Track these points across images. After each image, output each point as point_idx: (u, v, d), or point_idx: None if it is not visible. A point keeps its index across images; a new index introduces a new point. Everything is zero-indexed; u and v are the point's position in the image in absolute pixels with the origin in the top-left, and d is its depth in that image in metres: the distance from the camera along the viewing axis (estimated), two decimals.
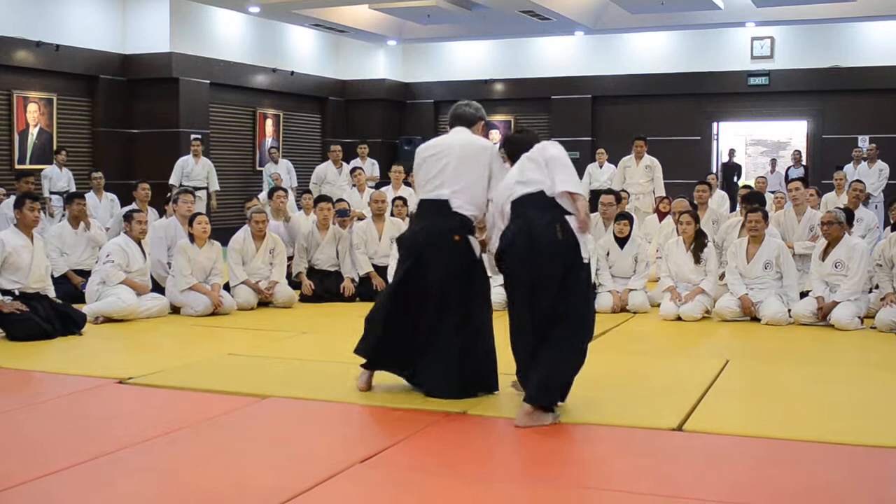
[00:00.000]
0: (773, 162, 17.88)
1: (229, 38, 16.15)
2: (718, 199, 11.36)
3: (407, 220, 8.97)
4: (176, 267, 7.93)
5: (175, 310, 7.91)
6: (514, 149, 4.85)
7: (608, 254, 8.30)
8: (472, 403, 4.71)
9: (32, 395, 5.26)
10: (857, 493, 3.55)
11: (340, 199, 10.20)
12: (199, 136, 14.14)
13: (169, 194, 11.84)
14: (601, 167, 14.05)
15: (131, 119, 15.23)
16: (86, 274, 8.45)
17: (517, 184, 4.61)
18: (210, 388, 5.14)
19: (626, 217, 8.46)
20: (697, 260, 7.86)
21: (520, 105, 19.38)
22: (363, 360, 5.02)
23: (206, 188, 13.42)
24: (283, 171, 14.87)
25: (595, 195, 11.59)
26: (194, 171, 13.39)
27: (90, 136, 14.85)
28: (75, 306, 7.23)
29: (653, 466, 3.83)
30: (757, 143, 21.08)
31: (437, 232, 4.85)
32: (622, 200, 10.41)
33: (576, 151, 17.82)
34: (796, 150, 17.21)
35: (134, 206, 9.79)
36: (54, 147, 13.54)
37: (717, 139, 18.75)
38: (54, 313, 6.81)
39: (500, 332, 4.86)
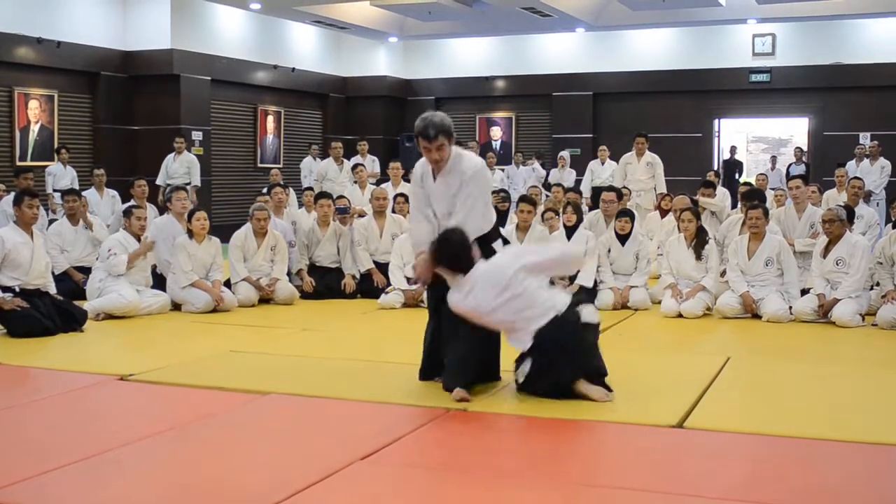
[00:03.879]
0: (774, 159, 17.87)
1: (230, 34, 16.15)
2: (720, 197, 11.36)
3: (408, 216, 8.95)
4: (176, 264, 7.93)
5: (176, 306, 7.91)
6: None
7: (609, 251, 8.30)
8: (473, 400, 4.71)
9: (33, 391, 5.26)
10: (859, 490, 3.55)
11: (341, 196, 10.19)
12: (182, 135, 14.06)
13: (161, 195, 11.93)
14: (602, 164, 14.03)
15: (132, 116, 15.24)
16: (86, 271, 8.46)
17: None
18: (211, 384, 5.14)
19: (627, 214, 8.47)
20: (699, 257, 7.86)
21: (521, 102, 19.38)
22: (365, 357, 5.03)
23: (188, 184, 13.37)
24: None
25: (596, 192, 11.62)
26: (172, 167, 13.38)
27: (91, 133, 14.86)
28: (76, 303, 7.23)
29: (653, 464, 3.82)
30: (758, 140, 21.07)
31: None
32: (623, 197, 10.41)
33: (577, 148, 17.85)
34: (798, 148, 17.19)
35: (133, 202, 9.79)
36: (55, 144, 13.55)
37: (719, 136, 18.75)
38: (55, 310, 6.81)
39: None
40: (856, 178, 10.46)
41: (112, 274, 7.57)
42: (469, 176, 4.87)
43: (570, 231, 8.39)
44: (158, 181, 13.23)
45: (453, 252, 4.73)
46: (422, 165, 5.05)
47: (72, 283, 8.45)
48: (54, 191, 12.24)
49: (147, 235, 8.07)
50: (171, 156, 13.52)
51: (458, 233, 4.74)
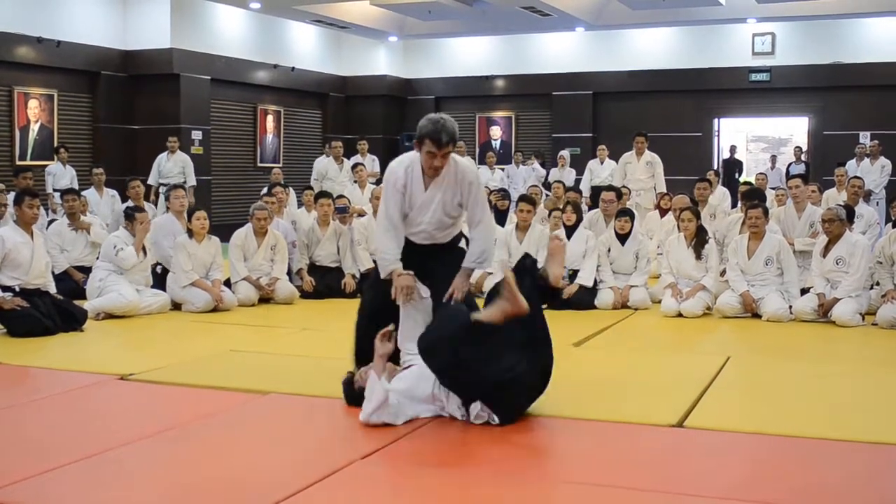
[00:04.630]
0: (773, 158, 17.87)
1: (230, 34, 16.15)
2: (720, 196, 11.36)
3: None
4: (176, 263, 7.94)
5: (176, 306, 7.92)
6: None
7: (609, 250, 8.30)
8: None
9: (33, 391, 5.26)
10: (859, 489, 3.55)
11: (340, 196, 10.19)
12: (175, 135, 13.90)
13: (153, 195, 11.94)
14: (602, 163, 14.02)
15: (132, 115, 15.24)
16: (86, 270, 8.46)
17: None
18: (211, 384, 5.14)
19: (627, 213, 8.46)
20: (698, 256, 7.86)
21: (520, 101, 19.38)
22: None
23: (184, 184, 13.31)
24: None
25: (596, 192, 11.62)
26: (166, 167, 13.29)
27: (91, 133, 14.86)
28: (76, 302, 7.24)
29: (653, 463, 3.82)
30: (758, 140, 21.07)
31: None
32: (623, 197, 10.41)
33: (577, 148, 17.84)
34: (797, 147, 17.19)
35: (129, 203, 9.79)
36: (55, 143, 13.54)
37: (718, 135, 18.75)
38: (55, 309, 6.82)
39: None
40: (856, 177, 10.47)
41: (123, 268, 7.58)
42: (472, 180, 4.70)
43: (570, 230, 8.40)
44: (150, 181, 13.18)
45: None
46: (406, 171, 4.66)
47: (72, 283, 8.45)
48: (54, 190, 12.24)
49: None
50: (163, 155, 13.36)
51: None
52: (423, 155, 4.57)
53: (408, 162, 4.69)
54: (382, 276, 4.64)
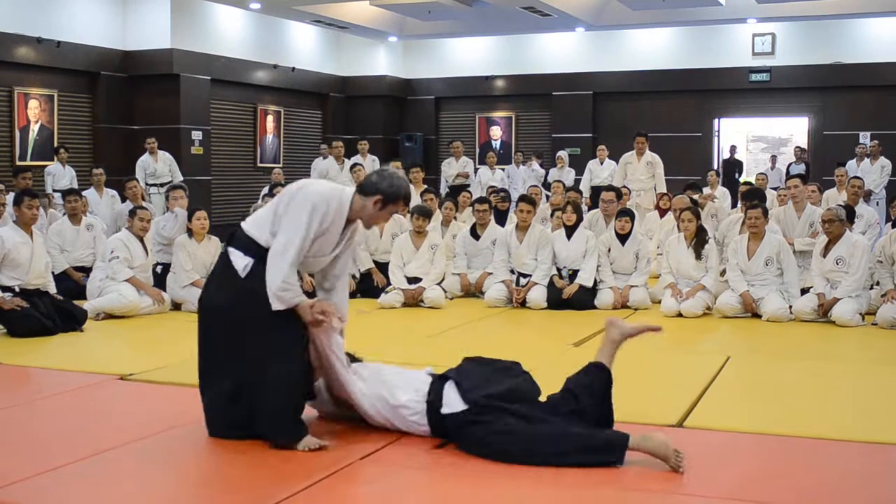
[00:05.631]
0: (774, 158, 17.87)
1: (230, 34, 16.15)
2: (720, 196, 11.37)
3: (407, 216, 8.95)
4: (177, 263, 7.94)
5: (176, 306, 7.92)
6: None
7: (609, 250, 8.30)
8: None
9: (33, 391, 5.27)
10: (860, 489, 3.55)
11: None
12: (153, 136, 13.66)
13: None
14: (602, 164, 14.03)
15: (132, 115, 15.23)
16: (86, 270, 8.47)
17: None
18: None
19: (627, 214, 8.47)
20: (698, 256, 7.86)
21: (520, 101, 19.38)
22: (364, 357, 4.91)
23: (171, 181, 13.28)
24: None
25: (596, 192, 11.62)
26: (156, 168, 13.23)
27: (91, 133, 14.85)
28: (76, 302, 7.24)
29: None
30: (758, 140, 21.06)
31: None
32: (623, 197, 10.42)
33: (577, 148, 17.85)
34: (797, 147, 17.19)
35: (129, 203, 9.80)
36: (55, 144, 13.54)
37: (719, 136, 18.74)
38: (55, 309, 6.82)
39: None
40: (856, 177, 10.47)
41: (113, 277, 7.59)
42: (357, 225, 4.22)
43: (570, 230, 8.40)
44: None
45: None
46: (338, 207, 4.01)
47: (72, 283, 8.46)
48: (54, 191, 12.24)
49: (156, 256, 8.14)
50: (146, 157, 13.22)
51: None
52: (382, 212, 4.06)
53: (338, 199, 4.03)
54: (283, 307, 3.94)
